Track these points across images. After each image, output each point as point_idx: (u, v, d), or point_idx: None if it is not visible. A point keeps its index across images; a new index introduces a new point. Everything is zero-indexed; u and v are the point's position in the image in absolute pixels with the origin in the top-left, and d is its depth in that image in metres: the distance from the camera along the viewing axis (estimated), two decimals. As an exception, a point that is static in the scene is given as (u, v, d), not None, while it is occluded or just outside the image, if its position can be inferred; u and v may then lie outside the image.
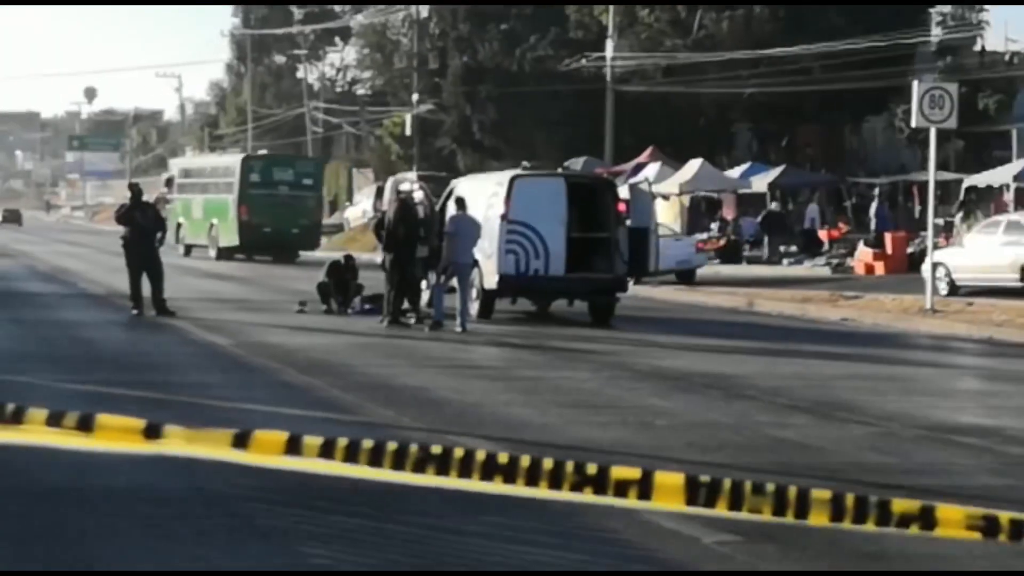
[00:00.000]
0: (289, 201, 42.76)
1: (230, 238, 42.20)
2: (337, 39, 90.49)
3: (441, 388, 13.61)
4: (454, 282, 21.06)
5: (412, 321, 21.07)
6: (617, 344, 19.26)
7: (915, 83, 24.22)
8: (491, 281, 22.03)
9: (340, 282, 23.33)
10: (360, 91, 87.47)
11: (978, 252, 26.41)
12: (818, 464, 9.64)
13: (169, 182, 47.87)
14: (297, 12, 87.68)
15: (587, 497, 2.17)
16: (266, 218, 41.64)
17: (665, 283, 31.61)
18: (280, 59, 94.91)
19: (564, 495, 2.19)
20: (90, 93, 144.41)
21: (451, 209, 23.54)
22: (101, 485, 8.33)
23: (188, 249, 44.39)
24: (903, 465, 9.77)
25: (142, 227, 21.79)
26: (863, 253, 34.90)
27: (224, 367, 15.45)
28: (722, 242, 39.96)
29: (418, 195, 23.91)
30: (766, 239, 39.66)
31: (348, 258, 24.51)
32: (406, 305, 21.79)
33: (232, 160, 46.47)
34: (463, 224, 20.95)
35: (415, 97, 61.20)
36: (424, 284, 22.48)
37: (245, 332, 19.40)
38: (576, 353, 17.85)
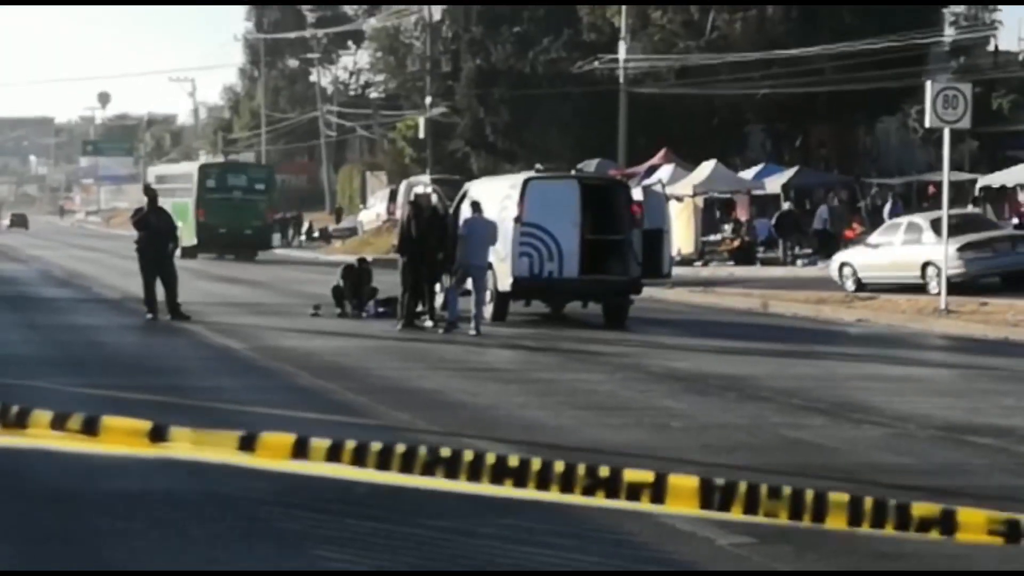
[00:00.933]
0: (242, 204, 46.40)
1: (190, 238, 44.29)
2: (350, 43, 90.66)
3: (456, 391, 13.61)
4: (469, 284, 21.07)
5: (427, 324, 21.08)
6: (631, 346, 19.24)
7: (928, 83, 24.15)
8: (505, 283, 22.03)
9: (354, 285, 23.35)
10: (373, 94, 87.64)
11: (882, 252, 28.16)
12: (834, 465, 9.62)
13: (147, 189, 49.52)
14: (310, 16, 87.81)
15: (600, 501, 2.14)
16: (221, 220, 45.28)
17: (679, 285, 31.56)
18: (293, 63, 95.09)
19: (576, 499, 2.17)
20: (104, 98, 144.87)
21: (465, 212, 23.57)
22: (114, 488, 8.34)
23: (182, 251, 45.83)
24: (919, 466, 9.75)
25: (156, 231, 21.84)
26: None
27: (239, 371, 15.47)
28: (736, 243, 39.91)
29: (432, 198, 23.94)
30: (781, 240, 39.58)
31: (362, 261, 24.54)
32: (420, 308, 21.81)
33: (191, 167, 50.89)
34: (476, 226, 20.94)
35: (428, 100, 61.26)
36: (438, 287, 22.50)
37: (259, 336, 19.43)
38: (590, 355, 17.83)
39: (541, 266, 21.90)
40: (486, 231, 20.86)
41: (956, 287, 24.72)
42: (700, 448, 10.29)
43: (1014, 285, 26.13)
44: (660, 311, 26.01)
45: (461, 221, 21.66)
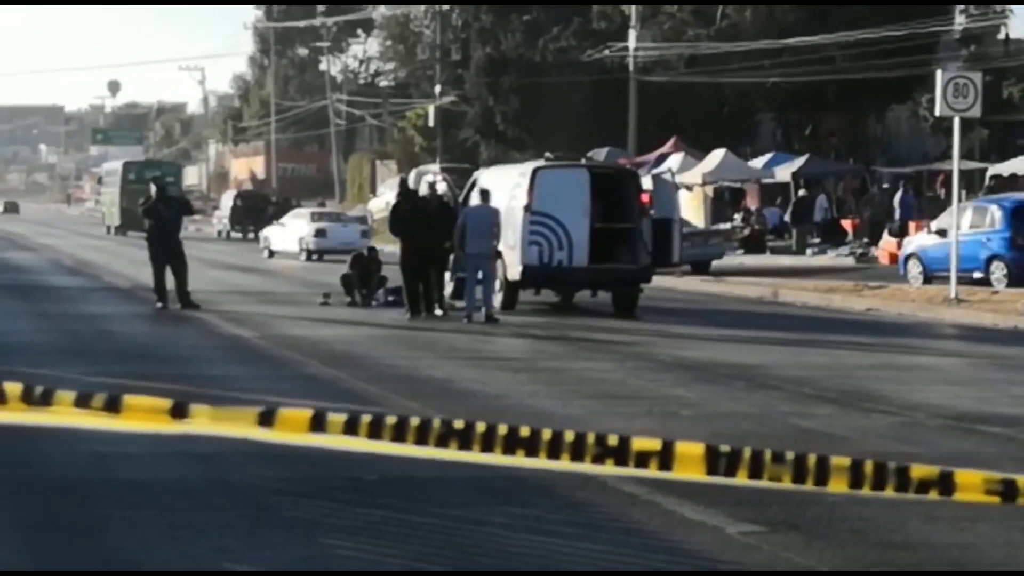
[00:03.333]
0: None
1: (115, 221, 58.84)
2: (360, 31, 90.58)
3: (465, 380, 13.62)
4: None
5: (437, 312, 21.10)
6: (641, 335, 19.23)
7: (939, 72, 24.09)
8: (514, 272, 22.02)
9: (364, 274, 23.37)
10: (383, 83, 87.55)
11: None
12: (843, 454, 9.58)
13: (99, 180, 68.58)
14: (320, 4, 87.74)
15: (609, 469, 2.16)
16: (138, 205, 51.99)
17: (688, 273, 31.55)
18: (303, 51, 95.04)
19: (587, 467, 2.19)
20: (114, 86, 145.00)
21: (474, 200, 23.56)
22: (125, 477, 8.38)
23: (108, 229, 59.98)
24: (928, 455, 9.73)
25: (166, 220, 21.87)
26: (887, 243, 34.75)
27: (249, 359, 15.50)
28: (746, 232, 39.86)
29: (441, 187, 23.95)
30: (795, 229, 39.52)
31: (371, 250, 24.56)
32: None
33: (118, 164, 63.66)
34: (473, 215, 20.75)
35: (438, 88, 61.24)
36: (447, 276, 22.52)
37: (269, 324, 19.46)
38: (599, 344, 17.84)
39: (551, 255, 21.89)
40: (480, 220, 20.63)
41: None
42: (709, 437, 10.23)
43: None
44: (670, 300, 26.00)
45: (464, 211, 21.51)
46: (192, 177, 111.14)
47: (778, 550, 6.80)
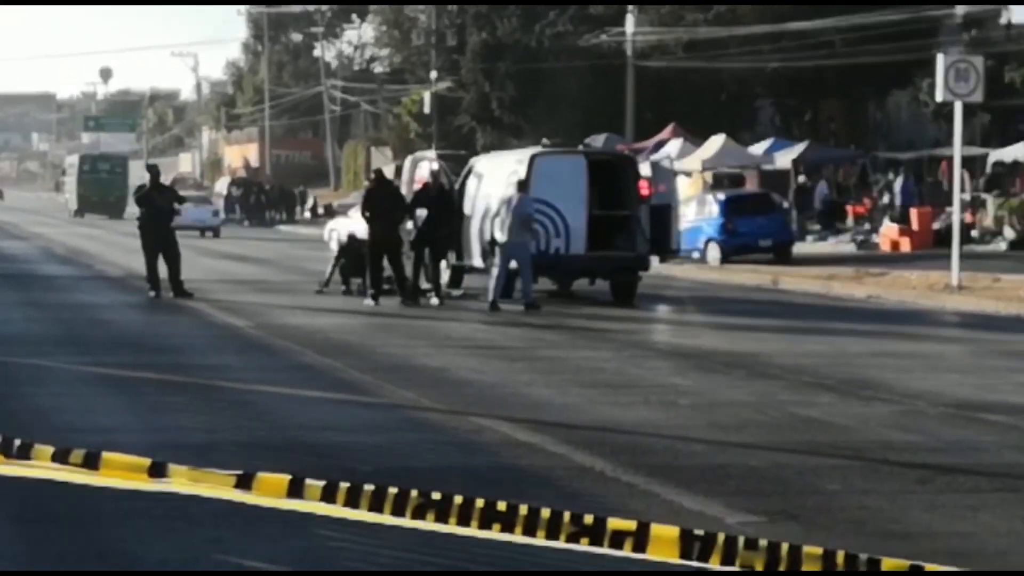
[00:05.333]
0: (107, 181, 69.44)
1: (73, 206, 70.19)
2: (354, 16, 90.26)
3: (461, 368, 13.52)
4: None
5: (433, 301, 21.03)
6: (639, 323, 19.15)
7: (940, 56, 23.94)
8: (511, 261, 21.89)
9: (353, 263, 23.15)
10: (378, 69, 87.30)
11: None
12: (843, 443, 9.52)
13: (64, 172, 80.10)
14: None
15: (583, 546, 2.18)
16: (92, 192, 68.69)
17: (688, 261, 31.45)
18: (297, 37, 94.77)
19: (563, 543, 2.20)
20: (106, 73, 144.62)
21: (470, 187, 23.46)
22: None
23: (72, 212, 69.53)
24: (929, 443, 9.66)
25: (159, 209, 21.75)
26: (888, 229, 34.66)
27: (243, 349, 15.40)
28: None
29: (435, 169, 23.87)
30: (795, 215, 39.40)
31: (351, 238, 24.36)
32: (426, 285, 21.77)
33: (75, 158, 76.37)
34: (509, 204, 20.66)
35: (433, 74, 61.06)
36: (443, 264, 22.44)
37: (263, 313, 19.36)
38: (597, 332, 17.74)
39: (548, 243, 21.77)
40: (522, 208, 20.60)
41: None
42: (708, 426, 10.21)
43: None
44: (668, 287, 25.91)
45: (507, 200, 21.21)
46: (185, 164, 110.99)
47: (777, 540, 6.70)
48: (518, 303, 20.56)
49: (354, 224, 42.93)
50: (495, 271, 20.54)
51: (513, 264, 20.67)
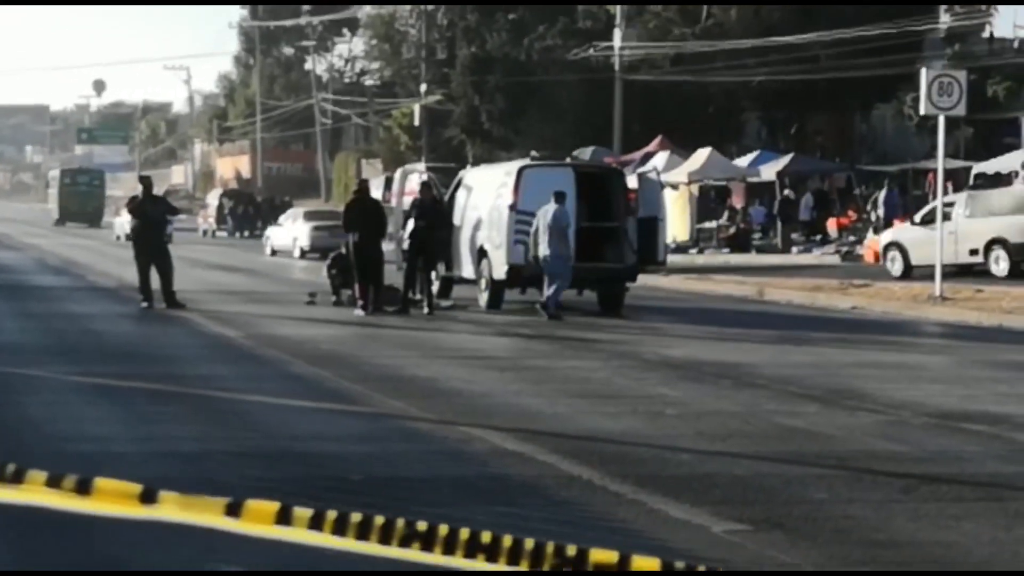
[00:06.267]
0: (86, 193, 75.45)
1: (56, 215, 75.16)
2: (345, 30, 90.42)
3: (451, 378, 13.61)
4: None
5: (425, 311, 21.15)
6: (626, 333, 19.25)
7: (924, 70, 24.14)
8: (500, 271, 22.03)
9: (344, 274, 23.22)
10: (369, 82, 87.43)
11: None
12: (828, 452, 9.63)
13: (47, 184, 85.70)
14: (305, 4, 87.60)
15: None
16: (72, 203, 74.84)
17: (674, 272, 31.58)
18: (288, 50, 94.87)
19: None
20: (99, 86, 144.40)
21: (460, 199, 23.62)
22: (111, 476, 8.34)
23: (55, 221, 74.06)
24: (913, 453, 9.76)
25: (152, 219, 21.82)
26: (872, 241, 34.83)
27: (234, 359, 15.47)
28: (732, 231, 39.91)
29: (425, 180, 23.98)
30: (780, 226, 39.58)
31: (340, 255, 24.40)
32: (416, 296, 21.87)
33: (57, 171, 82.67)
34: (545, 216, 20.80)
35: (423, 87, 61.20)
36: (433, 275, 22.55)
37: (255, 324, 19.43)
38: (585, 343, 17.84)
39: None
40: (558, 220, 20.72)
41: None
42: (695, 435, 10.31)
43: None
44: (655, 298, 26.02)
45: (539, 212, 21.33)
46: (178, 176, 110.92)
47: (763, 548, 6.82)
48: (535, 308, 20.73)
49: (119, 222, 50.79)
50: (549, 284, 20.61)
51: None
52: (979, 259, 27.66)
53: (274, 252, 42.70)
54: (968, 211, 28.01)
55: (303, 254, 40.75)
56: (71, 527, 6.97)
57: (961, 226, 27.39)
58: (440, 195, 23.63)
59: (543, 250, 20.63)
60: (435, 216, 22.09)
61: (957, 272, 26.95)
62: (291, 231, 42.38)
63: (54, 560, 6.49)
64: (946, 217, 25.57)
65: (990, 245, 27.58)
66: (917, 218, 29.07)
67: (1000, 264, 27.59)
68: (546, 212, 20.74)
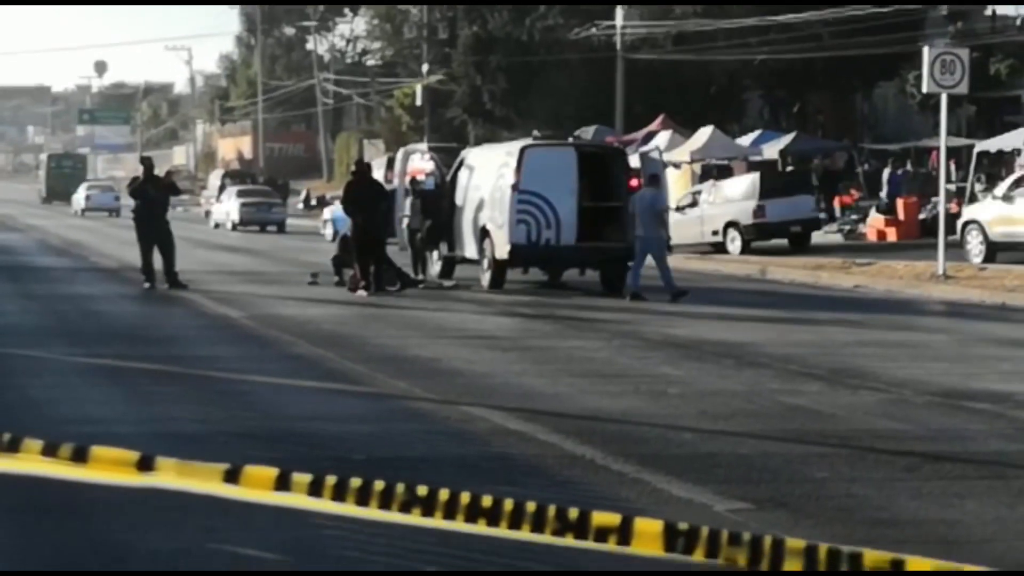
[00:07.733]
0: (69, 175, 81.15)
1: (43, 195, 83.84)
2: (347, 10, 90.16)
3: (453, 358, 13.60)
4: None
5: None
6: (628, 313, 19.24)
7: (926, 48, 24.07)
8: (502, 251, 22.01)
9: (348, 255, 23.24)
10: (370, 62, 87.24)
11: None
12: (831, 431, 9.62)
13: (37, 167, 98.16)
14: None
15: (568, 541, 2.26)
16: (57, 184, 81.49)
17: (677, 250, 31.54)
18: (290, 31, 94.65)
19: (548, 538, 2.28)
20: (100, 67, 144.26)
21: (462, 179, 23.60)
22: (114, 458, 8.33)
23: (42, 200, 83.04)
24: (915, 431, 9.76)
25: (153, 200, 21.81)
26: (875, 219, 34.78)
27: (236, 339, 15.47)
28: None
29: (429, 165, 23.98)
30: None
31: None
32: (418, 276, 21.88)
33: (44, 156, 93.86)
34: (638, 199, 20.83)
35: (425, 68, 61.10)
36: (435, 254, 22.57)
37: (257, 304, 19.42)
38: (587, 322, 17.84)
39: (539, 234, 21.87)
40: (649, 202, 20.72)
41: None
42: (697, 415, 10.30)
43: None
44: (657, 278, 25.97)
45: (635, 196, 21.33)
46: (180, 157, 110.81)
47: (766, 527, 6.81)
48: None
49: (77, 196, 63.11)
50: (634, 265, 20.66)
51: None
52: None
53: (217, 225, 49.63)
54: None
55: (234, 227, 47.53)
56: (70, 510, 6.96)
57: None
58: (442, 175, 23.61)
59: (640, 231, 20.65)
60: (438, 196, 22.01)
61: None
62: (226, 207, 49.47)
63: (54, 543, 6.46)
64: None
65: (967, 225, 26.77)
66: (999, 193, 27.48)
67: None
68: (643, 196, 20.78)
